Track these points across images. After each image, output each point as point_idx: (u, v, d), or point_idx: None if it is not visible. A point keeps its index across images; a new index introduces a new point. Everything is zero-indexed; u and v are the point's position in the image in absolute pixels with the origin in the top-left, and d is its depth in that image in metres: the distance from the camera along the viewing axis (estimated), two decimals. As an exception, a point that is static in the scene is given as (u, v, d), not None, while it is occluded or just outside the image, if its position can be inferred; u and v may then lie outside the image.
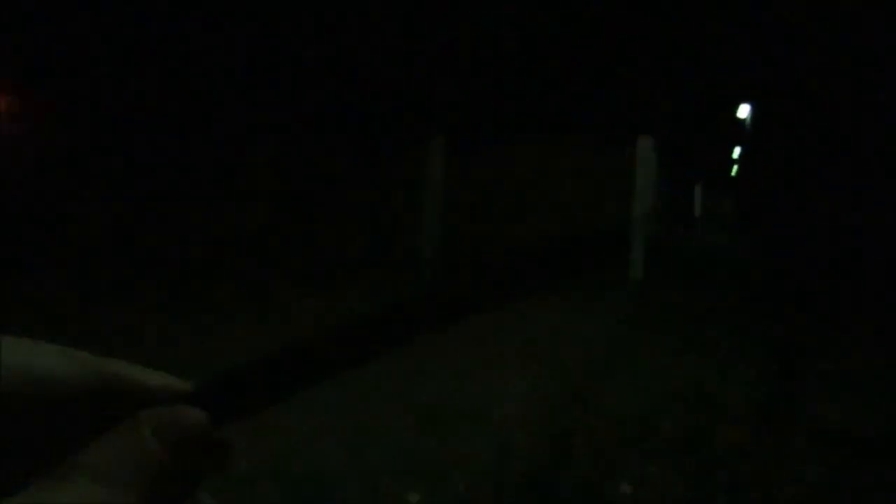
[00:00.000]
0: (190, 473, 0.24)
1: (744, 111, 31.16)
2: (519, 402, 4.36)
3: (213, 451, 0.25)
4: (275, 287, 8.25)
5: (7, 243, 9.00)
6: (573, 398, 4.47)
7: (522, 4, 12.17)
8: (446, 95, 11.79)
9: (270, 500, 3.02)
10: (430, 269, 10.23)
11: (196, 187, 10.75)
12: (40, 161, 10.31)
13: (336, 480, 3.22)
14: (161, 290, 7.58)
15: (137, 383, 0.24)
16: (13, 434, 0.21)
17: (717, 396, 4.68)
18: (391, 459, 3.46)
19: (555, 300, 7.62)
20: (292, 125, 11.40)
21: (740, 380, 5.14)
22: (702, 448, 3.72)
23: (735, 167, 46.32)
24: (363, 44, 11.69)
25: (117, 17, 11.09)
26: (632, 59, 13.02)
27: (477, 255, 10.22)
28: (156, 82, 11.32)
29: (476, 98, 11.80)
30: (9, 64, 11.36)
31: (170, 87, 11.39)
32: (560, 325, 6.69)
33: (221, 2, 11.48)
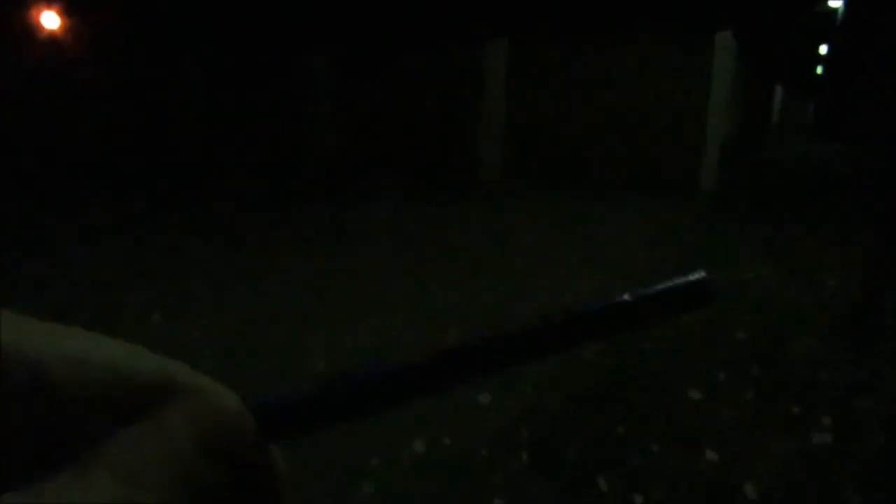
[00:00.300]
0: (232, 477, 0.21)
1: (836, 1, 28.50)
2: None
3: (259, 462, 0.22)
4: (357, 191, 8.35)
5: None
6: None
7: None
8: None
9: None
10: (494, 174, 10.10)
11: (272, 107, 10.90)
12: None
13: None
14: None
15: (198, 389, 0.22)
16: (48, 427, 0.19)
17: (795, 304, 4.54)
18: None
19: (624, 208, 7.44)
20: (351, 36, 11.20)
21: (821, 288, 4.96)
22: (775, 357, 3.64)
23: (820, 67, 43.02)
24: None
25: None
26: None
27: (539, 157, 10.01)
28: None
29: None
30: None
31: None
32: (630, 230, 6.54)
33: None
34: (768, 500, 2.45)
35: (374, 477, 2.51)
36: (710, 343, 3.84)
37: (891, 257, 3.89)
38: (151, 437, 0.20)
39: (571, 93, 9.70)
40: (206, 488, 0.20)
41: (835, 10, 29.51)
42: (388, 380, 0.23)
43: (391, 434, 2.76)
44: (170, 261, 5.35)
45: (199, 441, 0.20)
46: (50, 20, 12.85)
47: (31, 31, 12.62)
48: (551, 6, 11.01)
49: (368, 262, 5.35)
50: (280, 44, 10.94)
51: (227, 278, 4.88)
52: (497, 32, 10.03)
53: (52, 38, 12.69)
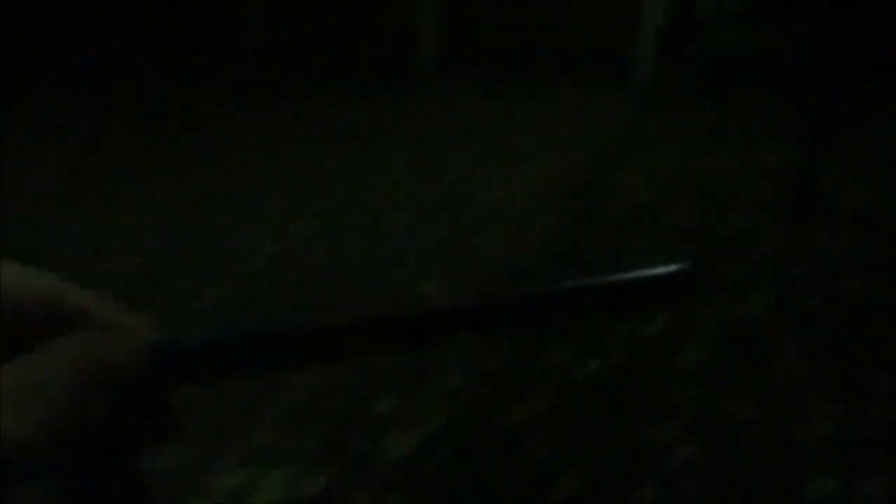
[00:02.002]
0: (120, 421, 0.23)
1: None
2: (534, 187, 4.33)
3: (153, 404, 0.24)
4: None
5: None
6: (586, 185, 4.43)
7: None
8: None
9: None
10: (429, 65, 9.79)
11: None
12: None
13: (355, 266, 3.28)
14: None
15: (103, 320, 0.23)
16: None
17: (733, 183, 4.65)
18: (410, 248, 3.49)
19: (567, 95, 7.36)
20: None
21: (757, 166, 5.09)
22: (712, 233, 3.75)
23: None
24: None
25: None
26: None
27: (476, 45, 9.73)
28: None
29: None
30: None
31: None
32: (573, 118, 6.50)
33: None
34: (711, 361, 2.56)
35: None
36: (656, 220, 3.91)
37: (823, 135, 3.99)
38: (40, 363, 0.21)
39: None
40: (89, 415, 0.21)
41: None
42: (287, 339, 0.24)
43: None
44: (94, 160, 5.00)
45: (84, 371, 0.22)
46: None
47: None
48: None
49: (311, 157, 5.14)
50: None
51: (163, 184, 4.61)
52: None
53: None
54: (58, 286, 0.23)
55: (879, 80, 8.69)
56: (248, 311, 2.86)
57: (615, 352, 2.60)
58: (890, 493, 1.93)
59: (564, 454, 2.08)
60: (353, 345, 0.24)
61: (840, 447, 2.12)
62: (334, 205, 4.10)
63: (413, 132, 5.81)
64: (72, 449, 0.21)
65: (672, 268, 0.25)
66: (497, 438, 2.14)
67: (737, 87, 10.06)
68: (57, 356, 0.22)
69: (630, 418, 2.24)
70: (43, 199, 4.07)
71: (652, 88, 9.14)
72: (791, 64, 11.44)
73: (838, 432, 2.17)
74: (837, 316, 2.87)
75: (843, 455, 2.09)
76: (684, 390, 2.38)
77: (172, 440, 0.24)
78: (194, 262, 3.31)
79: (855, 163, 5.16)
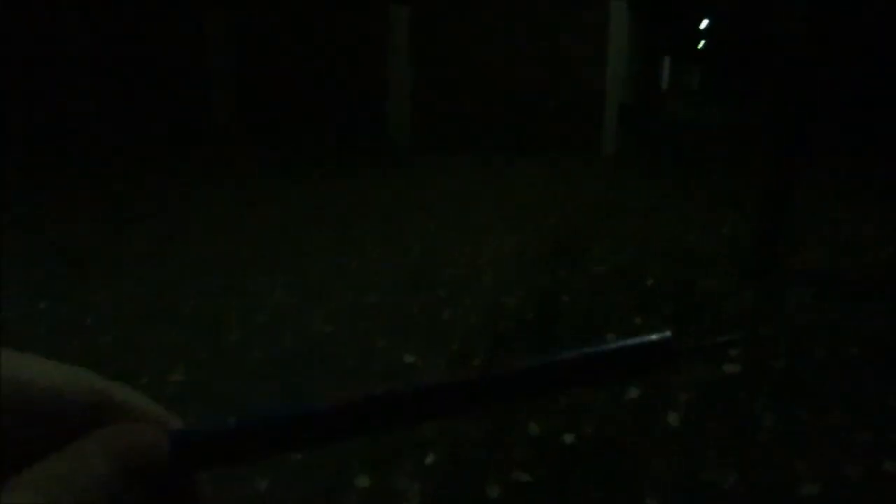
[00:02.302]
0: (144, 500, 0.23)
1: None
2: (506, 256, 4.36)
3: (177, 489, 0.24)
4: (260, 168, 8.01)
5: None
6: (555, 254, 4.49)
7: None
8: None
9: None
10: (401, 137, 10.00)
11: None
12: None
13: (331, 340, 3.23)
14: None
15: (135, 411, 0.25)
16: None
17: (698, 247, 4.75)
18: (387, 320, 3.47)
19: (531, 169, 7.54)
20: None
21: (719, 230, 5.22)
22: (682, 298, 3.80)
23: (703, 40, 45.40)
24: None
25: None
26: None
27: (445, 121, 9.99)
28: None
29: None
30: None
31: None
32: (541, 188, 6.65)
33: None
34: (689, 425, 2.55)
35: None
36: (629, 287, 3.96)
37: (778, 199, 4.13)
38: (73, 459, 0.22)
39: (476, 54, 9.71)
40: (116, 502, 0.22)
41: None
42: (308, 421, 0.24)
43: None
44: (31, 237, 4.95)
45: (115, 465, 0.22)
46: None
47: None
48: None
49: (286, 231, 5.15)
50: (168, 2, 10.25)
51: (131, 264, 4.56)
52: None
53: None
54: (83, 376, 0.24)
55: (826, 148, 9.10)
56: (218, 394, 2.79)
57: (593, 420, 2.57)
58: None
59: (548, 529, 2.02)
60: (372, 421, 0.25)
61: (825, 510, 2.09)
62: (306, 282, 4.08)
63: (383, 210, 5.88)
64: None
65: (653, 337, 0.25)
66: (478, 515, 2.08)
67: (696, 155, 10.43)
68: (90, 448, 0.22)
69: (609, 489, 2.20)
70: (12, 278, 3.98)
71: (617, 158, 9.43)
72: (743, 134, 11.93)
73: (825, 496, 2.15)
74: (810, 374, 2.90)
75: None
76: (665, 459, 2.35)
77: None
78: (162, 342, 3.24)
79: (813, 224, 5.34)
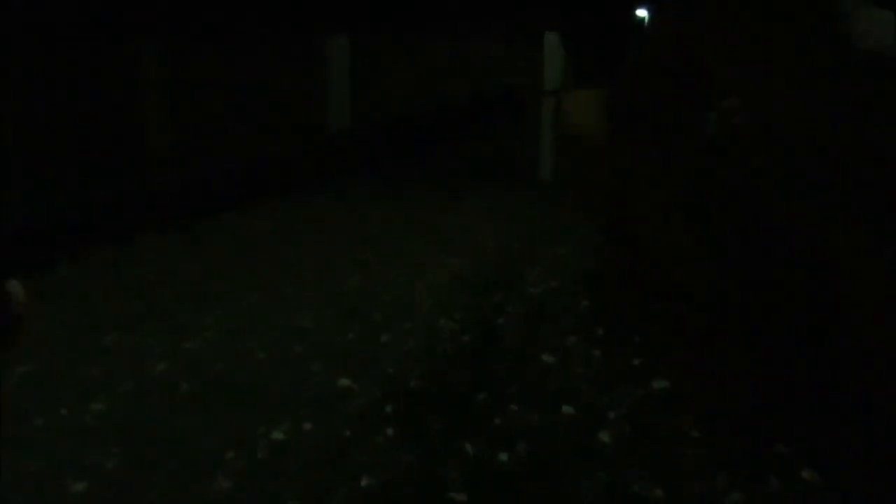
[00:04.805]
0: None
1: (643, 11, 31.34)
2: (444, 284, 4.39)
3: None
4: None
5: None
6: (491, 282, 4.55)
7: None
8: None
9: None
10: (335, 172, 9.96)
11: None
12: None
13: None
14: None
15: None
16: None
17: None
18: (319, 348, 3.43)
19: (469, 197, 7.62)
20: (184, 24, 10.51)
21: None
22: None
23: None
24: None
25: None
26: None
27: (385, 152, 10.04)
28: None
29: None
30: None
31: None
32: (476, 217, 6.73)
33: None
34: (621, 443, 2.62)
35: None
36: (563, 310, 4.05)
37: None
38: None
39: (413, 85, 9.86)
40: None
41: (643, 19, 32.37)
42: None
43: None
44: None
45: None
46: None
47: None
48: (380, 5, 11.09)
49: (214, 265, 5.03)
50: (95, 30, 9.96)
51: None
52: (333, 30, 9.93)
53: None
54: None
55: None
56: (147, 422, 2.70)
57: (526, 442, 2.60)
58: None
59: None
60: None
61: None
62: (240, 311, 4.00)
63: (317, 239, 5.81)
64: None
65: None
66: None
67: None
68: None
69: (545, 506, 2.23)
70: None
71: (553, 190, 9.59)
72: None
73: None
74: (734, 391, 3.01)
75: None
76: (600, 476, 2.39)
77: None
78: (82, 371, 3.12)
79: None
